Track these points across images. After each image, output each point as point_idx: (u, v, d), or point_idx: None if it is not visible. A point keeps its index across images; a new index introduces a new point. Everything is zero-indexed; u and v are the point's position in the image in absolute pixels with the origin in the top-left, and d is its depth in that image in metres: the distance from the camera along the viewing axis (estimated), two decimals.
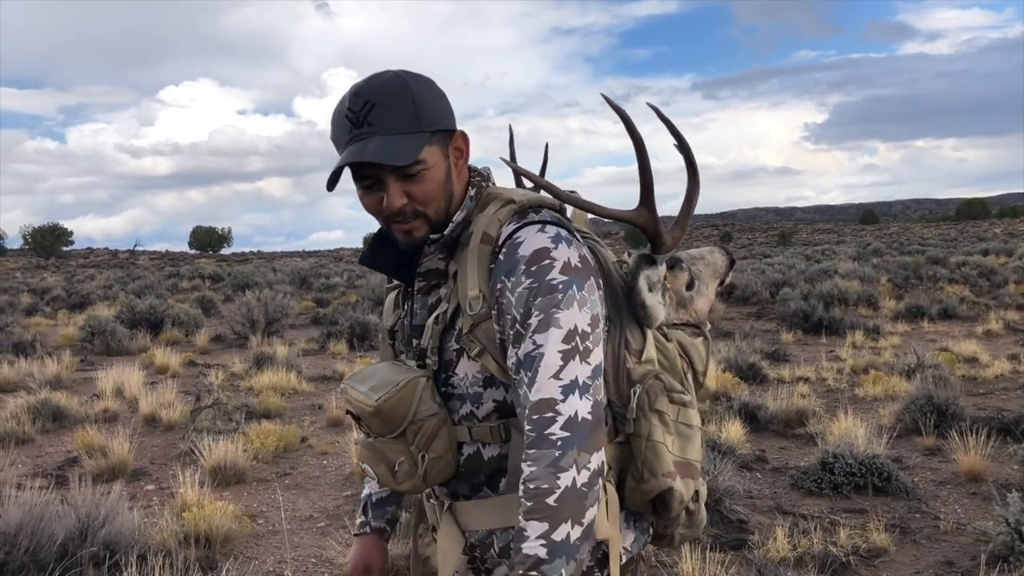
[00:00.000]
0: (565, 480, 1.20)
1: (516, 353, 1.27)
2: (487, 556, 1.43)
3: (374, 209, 1.35)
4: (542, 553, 1.19)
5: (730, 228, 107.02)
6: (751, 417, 6.31)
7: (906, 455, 5.48)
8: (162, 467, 5.75)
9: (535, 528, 1.20)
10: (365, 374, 1.44)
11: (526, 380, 1.26)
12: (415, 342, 1.44)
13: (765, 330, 11.82)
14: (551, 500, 1.19)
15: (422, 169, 1.31)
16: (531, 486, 1.21)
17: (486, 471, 1.39)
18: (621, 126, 1.37)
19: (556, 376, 1.23)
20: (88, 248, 71.26)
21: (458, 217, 1.37)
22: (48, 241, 57.99)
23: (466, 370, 1.35)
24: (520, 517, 1.21)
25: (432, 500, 1.50)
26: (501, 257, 1.31)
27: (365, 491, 1.71)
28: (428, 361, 1.39)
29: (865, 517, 4.35)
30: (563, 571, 1.19)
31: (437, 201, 1.35)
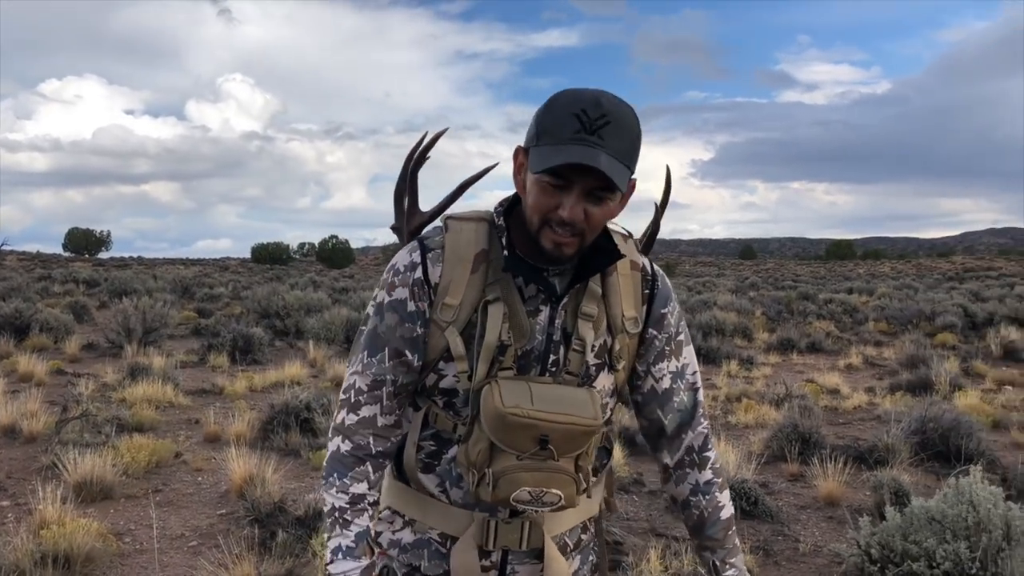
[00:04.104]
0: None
1: (668, 366, 1.52)
2: (565, 555, 1.50)
3: (546, 207, 1.32)
4: (732, 509, 1.57)
5: None
6: (630, 441, 6.50)
7: (772, 480, 5.78)
8: (20, 482, 5.40)
9: (726, 496, 1.56)
10: (541, 395, 1.33)
11: (683, 387, 1.53)
12: (552, 357, 1.41)
13: None
14: (722, 472, 1.57)
15: (609, 199, 1.33)
16: (716, 466, 1.56)
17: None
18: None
19: (699, 380, 1.56)
20: None
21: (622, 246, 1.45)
22: None
23: (603, 383, 1.46)
24: (716, 493, 1.54)
25: (499, 520, 1.43)
26: (659, 285, 1.51)
27: (360, 526, 1.43)
28: (566, 376, 1.41)
29: None
30: None
31: (599, 230, 1.37)
